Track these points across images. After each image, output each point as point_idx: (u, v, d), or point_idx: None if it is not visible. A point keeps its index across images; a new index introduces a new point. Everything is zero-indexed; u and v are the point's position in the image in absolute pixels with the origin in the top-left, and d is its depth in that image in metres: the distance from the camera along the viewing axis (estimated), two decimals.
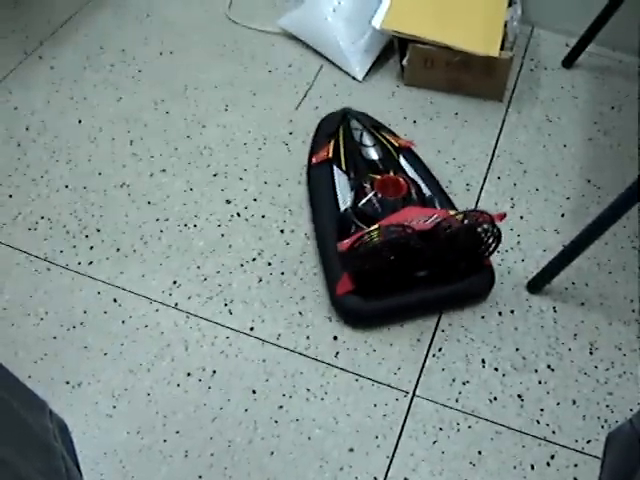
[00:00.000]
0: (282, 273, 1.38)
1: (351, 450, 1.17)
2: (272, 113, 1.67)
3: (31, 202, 1.49)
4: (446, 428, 1.20)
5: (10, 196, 1.50)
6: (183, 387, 1.23)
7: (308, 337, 1.29)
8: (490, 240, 1.28)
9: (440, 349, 1.29)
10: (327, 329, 1.30)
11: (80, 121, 1.65)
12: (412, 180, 1.41)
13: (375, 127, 1.55)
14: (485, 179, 1.56)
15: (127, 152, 1.58)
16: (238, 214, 1.47)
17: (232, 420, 1.20)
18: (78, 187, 1.51)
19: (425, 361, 1.28)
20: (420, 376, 1.26)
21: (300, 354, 1.27)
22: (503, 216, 1.27)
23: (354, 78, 1.76)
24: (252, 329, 1.30)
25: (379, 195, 1.33)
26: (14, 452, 0.59)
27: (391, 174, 1.39)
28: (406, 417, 1.21)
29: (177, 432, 1.18)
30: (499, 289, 1.37)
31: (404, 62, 1.72)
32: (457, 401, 1.23)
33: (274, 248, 1.41)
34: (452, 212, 1.28)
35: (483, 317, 1.33)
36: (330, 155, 1.49)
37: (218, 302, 1.33)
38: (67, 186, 1.51)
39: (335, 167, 1.47)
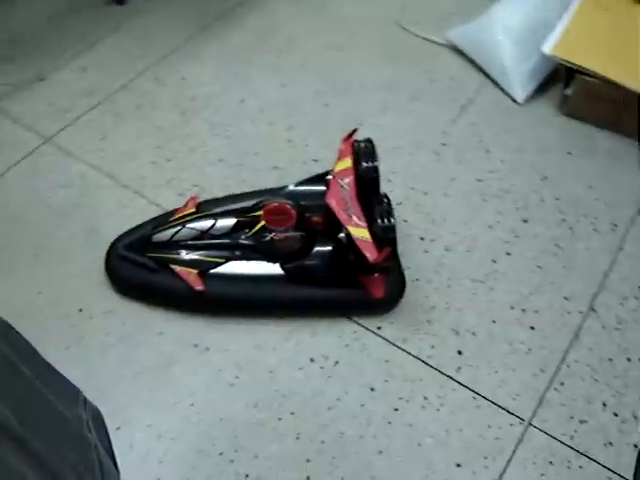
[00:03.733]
0: (417, 279, 1.39)
1: (458, 465, 1.17)
2: (427, 122, 1.69)
3: (186, 169, 1.56)
4: (557, 463, 1.19)
5: (168, 160, 1.57)
6: (305, 371, 1.26)
7: (433, 346, 1.30)
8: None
9: (562, 383, 1.28)
10: (453, 342, 1.31)
11: (243, 100, 1.71)
12: (261, 202, 1.35)
13: (160, 223, 1.37)
14: (632, 222, 1.53)
15: (284, 137, 1.63)
16: None
17: (347, 412, 1.22)
18: (233, 163, 1.57)
19: (546, 392, 1.26)
20: (538, 406, 1.25)
21: (423, 361, 1.28)
22: (354, 131, 1.35)
23: (514, 100, 1.75)
24: (379, 328, 1.32)
25: (288, 228, 1.28)
26: (46, 444, 0.58)
27: (258, 215, 1.31)
28: (518, 444, 1.20)
29: (292, 413, 1.22)
30: (631, 334, 1.34)
31: (568, 92, 1.70)
32: (572, 438, 1.22)
33: (412, 254, 1.43)
34: (337, 168, 1.30)
35: (610, 360, 1.31)
36: (197, 271, 1.30)
37: None
38: (222, 160, 1.57)
39: (214, 271, 1.30)
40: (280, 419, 1.21)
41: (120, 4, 1.98)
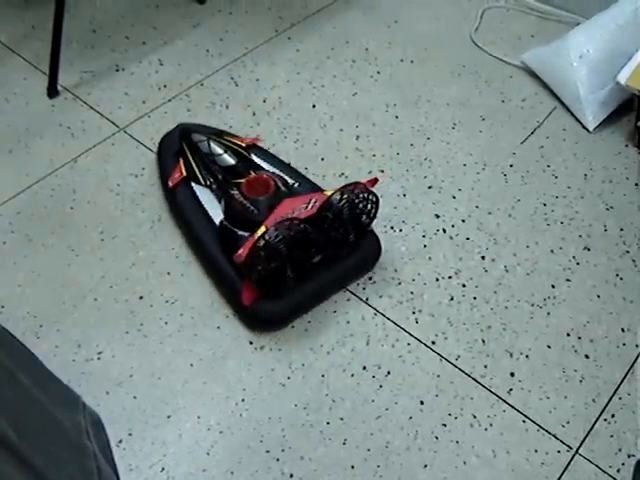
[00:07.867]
0: (474, 298, 1.39)
1: None
2: (497, 142, 1.68)
3: None
4: None
5: None
6: (356, 378, 1.27)
7: (486, 366, 1.30)
8: (370, 207, 1.33)
9: (613, 415, 1.27)
10: (506, 363, 1.31)
11: (314, 106, 1.73)
12: (274, 174, 1.43)
13: (217, 134, 1.54)
14: None
15: (352, 145, 1.65)
16: (444, 230, 1.49)
17: (395, 423, 1.23)
18: (300, 166, 1.58)
19: (595, 423, 1.25)
20: (587, 436, 1.24)
21: (474, 380, 1.28)
22: (375, 181, 1.36)
23: (584, 127, 1.74)
24: (434, 343, 1.33)
25: (250, 197, 1.33)
26: (43, 455, 0.57)
27: (252, 174, 1.40)
28: (564, 471, 1.20)
29: (341, 419, 1.23)
30: None
31: None
32: (618, 471, 1.20)
33: (472, 272, 1.43)
34: (328, 192, 1.31)
35: None
36: (184, 174, 1.47)
37: (407, 308, 1.37)
38: (290, 163, 1.59)
39: (194, 184, 1.46)
40: (328, 423, 1.22)
41: (201, 3, 2.01)
